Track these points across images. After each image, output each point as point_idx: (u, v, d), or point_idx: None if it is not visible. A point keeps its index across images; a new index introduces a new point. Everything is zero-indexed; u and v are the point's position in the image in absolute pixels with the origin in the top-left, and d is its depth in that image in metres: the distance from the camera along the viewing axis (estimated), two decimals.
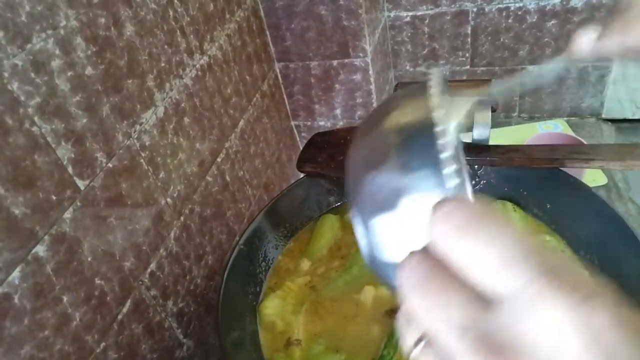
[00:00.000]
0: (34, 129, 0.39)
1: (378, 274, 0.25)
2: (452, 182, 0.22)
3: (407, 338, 0.20)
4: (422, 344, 0.19)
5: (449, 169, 0.22)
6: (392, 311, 0.46)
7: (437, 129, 0.23)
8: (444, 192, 0.22)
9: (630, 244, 0.40)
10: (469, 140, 0.52)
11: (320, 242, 0.54)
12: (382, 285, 0.47)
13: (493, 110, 0.53)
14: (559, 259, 0.17)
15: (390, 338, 0.43)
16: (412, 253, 0.20)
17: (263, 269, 0.52)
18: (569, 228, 0.49)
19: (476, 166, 0.55)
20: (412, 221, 0.22)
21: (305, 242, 0.55)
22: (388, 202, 0.23)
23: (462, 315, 0.17)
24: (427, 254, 0.19)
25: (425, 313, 0.18)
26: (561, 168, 0.45)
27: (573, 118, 0.93)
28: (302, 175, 0.70)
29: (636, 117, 0.89)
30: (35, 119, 0.39)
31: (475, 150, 0.50)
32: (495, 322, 0.16)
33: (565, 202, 0.45)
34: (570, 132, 0.87)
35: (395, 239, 0.23)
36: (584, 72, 0.88)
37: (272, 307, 0.48)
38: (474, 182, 0.56)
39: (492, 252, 0.17)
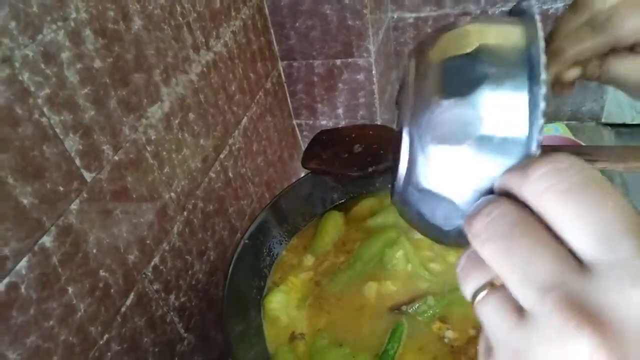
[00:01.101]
0: (43, 119, 0.39)
1: (408, 205, 0.24)
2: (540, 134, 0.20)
3: (470, 283, 0.20)
4: (485, 292, 0.19)
5: (540, 121, 0.20)
6: (395, 306, 0.46)
7: (542, 64, 0.20)
8: (532, 144, 0.20)
9: None
10: None
11: (324, 238, 0.54)
12: (385, 280, 0.47)
13: None
14: None
15: (394, 333, 0.43)
16: (495, 199, 0.20)
17: (267, 263, 0.53)
18: None
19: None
20: (481, 162, 0.21)
21: (309, 238, 0.56)
22: (461, 136, 0.21)
23: (551, 271, 0.17)
24: (514, 204, 0.19)
25: (503, 263, 0.18)
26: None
27: (573, 122, 0.94)
28: (303, 174, 0.70)
29: (636, 122, 0.90)
30: (45, 109, 0.39)
31: None
32: (589, 286, 0.16)
33: None
34: (570, 136, 0.87)
35: (455, 173, 0.22)
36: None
37: (276, 302, 0.48)
38: None
39: (597, 220, 0.17)
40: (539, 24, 0.22)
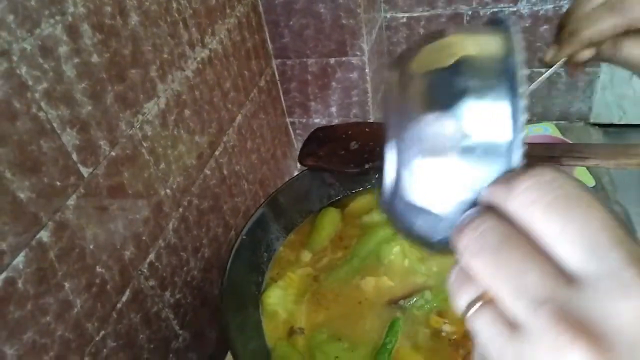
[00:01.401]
0: (41, 114, 0.39)
1: (395, 215, 0.24)
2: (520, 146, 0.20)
3: (461, 297, 0.20)
4: (477, 305, 0.19)
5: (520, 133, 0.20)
6: (392, 301, 0.46)
7: (522, 77, 0.21)
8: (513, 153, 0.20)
9: None
10: None
11: (321, 234, 0.55)
12: (383, 275, 0.48)
13: None
14: None
15: (392, 327, 0.44)
16: (481, 213, 0.20)
17: (265, 259, 0.53)
18: None
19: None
20: (464, 174, 0.21)
21: (306, 234, 0.56)
22: (445, 149, 0.21)
23: (542, 285, 0.17)
24: (500, 218, 0.19)
25: (493, 277, 0.18)
26: (558, 166, 0.46)
27: (562, 122, 0.96)
28: (296, 172, 0.70)
29: (623, 122, 0.92)
30: (42, 104, 0.39)
31: None
32: (580, 299, 0.16)
33: None
34: (559, 135, 0.89)
35: (439, 186, 0.22)
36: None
37: (274, 297, 0.48)
38: None
39: (583, 232, 0.17)
40: (518, 35, 0.22)
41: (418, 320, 0.44)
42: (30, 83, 0.38)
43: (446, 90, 0.22)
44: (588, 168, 0.78)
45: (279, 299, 0.48)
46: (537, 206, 0.18)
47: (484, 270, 0.18)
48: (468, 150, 0.21)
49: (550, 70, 0.41)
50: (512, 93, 0.21)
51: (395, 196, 0.24)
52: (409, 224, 0.24)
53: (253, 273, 0.51)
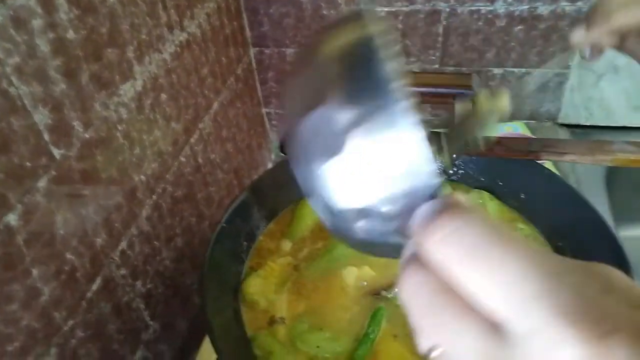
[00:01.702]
0: (12, 89, 0.37)
1: (345, 236, 0.24)
2: (405, 108, 0.19)
3: (421, 342, 0.19)
4: (439, 351, 0.18)
5: (400, 96, 0.19)
6: (374, 291, 0.46)
7: (378, 45, 0.20)
8: (399, 123, 0.19)
9: (599, 230, 0.44)
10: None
11: (301, 224, 0.54)
12: (364, 265, 0.47)
13: (473, 102, 0.55)
14: (580, 287, 0.16)
15: (374, 317, 0.44)
16: (410, 264, 0.19)
17: (244, 248, 0.52)
18: (542, 217, 0.51)
19: (454, 155, 0.57)
20: (363, 160, 0.20)
21: (286, 224, 0.55)
22: (333, 144, 0.20)
23: (477, 347, 0.17)
24: (428, 272, 0.18)
25: (435, 334, 0.18)
26: (536, 160, 0.48)
27: (532, 121, 0.98)
28: (270, 164, 0.69)
29: (589, 123, 0.95)
30: (13, 79, 0.37)
31: None
32: (515, 357, 0.16)
33: (539, 193, 0.47)
34: (528, 134, 0.91)
35: (350, 183, 0.21)
36: (544, 78, 0.92)
37: (254, 286, 0.47)
38: (452, 171, 0.58)
39: (504, 286, 0.16)
40: (389, 39, 0.21)
41: (400, 310, 0.44)
42: (0, 56, 0.35)
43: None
44: (557, 165, 0.80)
45: (260, 289, 0.47)
46: (453, 260, 0.17)
47: (427, 326, 0.18)
48: (359, 130, 0.20)
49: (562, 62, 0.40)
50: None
51: (335, 223, 0.23)
52: (353, 235, 0.23)
53: (233, 262, 0.50)
